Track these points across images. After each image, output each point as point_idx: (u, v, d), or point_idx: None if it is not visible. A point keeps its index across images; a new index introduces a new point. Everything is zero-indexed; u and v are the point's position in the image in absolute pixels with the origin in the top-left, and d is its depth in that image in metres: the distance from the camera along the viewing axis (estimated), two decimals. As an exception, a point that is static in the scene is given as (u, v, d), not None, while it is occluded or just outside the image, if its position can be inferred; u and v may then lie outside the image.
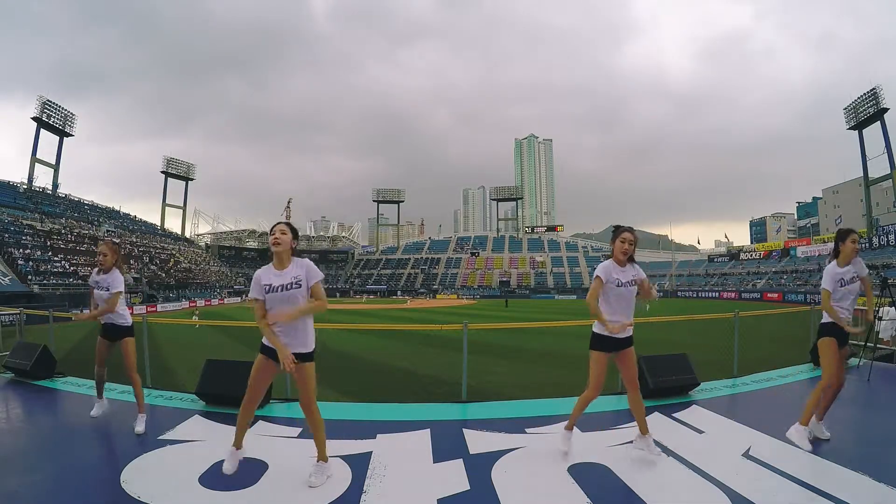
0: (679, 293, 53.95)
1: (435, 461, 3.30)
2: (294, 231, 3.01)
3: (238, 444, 2.98)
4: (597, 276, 3.28)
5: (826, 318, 3.56)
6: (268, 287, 2.84)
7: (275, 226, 2.96)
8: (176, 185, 70.09)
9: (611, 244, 3.35)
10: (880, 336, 7.03)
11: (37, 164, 50.04)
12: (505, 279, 67.85)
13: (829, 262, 3.66)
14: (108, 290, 4.01)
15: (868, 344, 6.14)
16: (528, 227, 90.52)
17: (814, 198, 77.05)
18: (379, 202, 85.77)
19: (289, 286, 2.82)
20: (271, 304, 2.83)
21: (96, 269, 4.11)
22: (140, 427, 3.88)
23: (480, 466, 3.17)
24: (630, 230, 3.29)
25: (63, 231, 40.59)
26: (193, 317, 19.42)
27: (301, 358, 2.82)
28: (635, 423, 3.32)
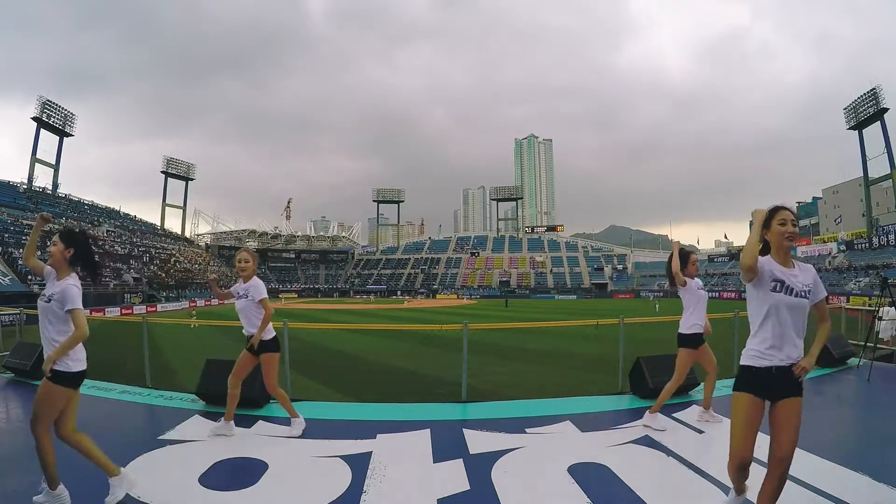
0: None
1: (435, 461, 3.30)
2: (69, 239, 2.65)
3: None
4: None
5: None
6: (43, 296, 2.62)
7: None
8: (176, 185, 70.12)
9: (684, 267, 4.06)
10: (880, 336, 7.02)
11: (37, 164, 50.00)
12: (505, 279, 67.82)
13: None
14: (249, 297, 3.75)
15: (868, 344, 6.14)
16: (528, 227, 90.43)
17: (814, 198, 76.89)
18: (379, 202, 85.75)
19: (46, 298, 2.57)
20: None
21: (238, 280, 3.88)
22: (296, 431, 3.86)
23: (480, 466, 3.17)
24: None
25: (63, 231, 40.56)
26: (192, 315, 19.43)
27: (53, 374, 2.49)
28: (635, 424, 3.33)
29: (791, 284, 2.12)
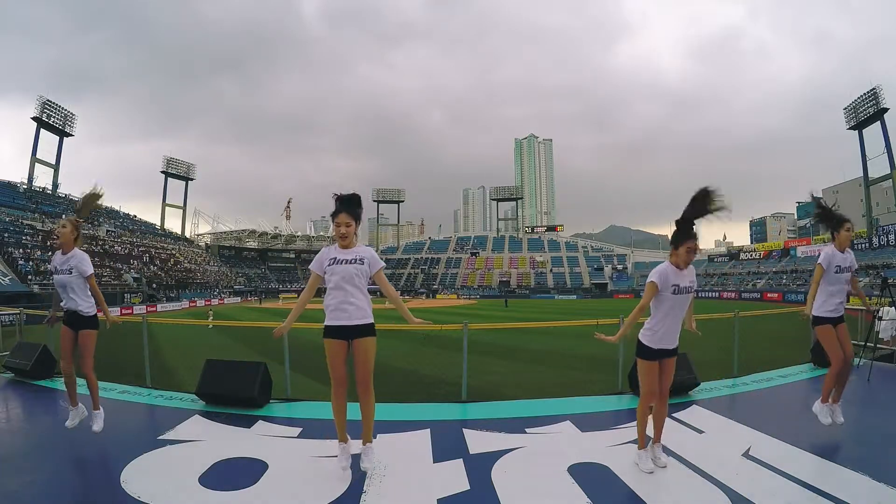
0: (679, 293, 54.00)
1: (435, 461, 3.30)
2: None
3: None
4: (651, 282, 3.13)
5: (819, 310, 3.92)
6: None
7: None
8: (176, 185, 70.01)
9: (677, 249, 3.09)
10: (880, 336, 7.02)
11: (37, 164, 49.97)
12: (505, 279, 67.81)
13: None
14: (74, 273, 3.63)
15: (868, 344, 6.14)
16: (528, 227, 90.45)
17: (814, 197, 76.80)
18: (379, 202, 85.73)
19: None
20: None
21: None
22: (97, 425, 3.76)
23: (480, 466, 3.17)
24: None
25: (63, 231, 40.58)
26: (209, 314, 19.37)
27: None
28: (635, 423, 3.30)
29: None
